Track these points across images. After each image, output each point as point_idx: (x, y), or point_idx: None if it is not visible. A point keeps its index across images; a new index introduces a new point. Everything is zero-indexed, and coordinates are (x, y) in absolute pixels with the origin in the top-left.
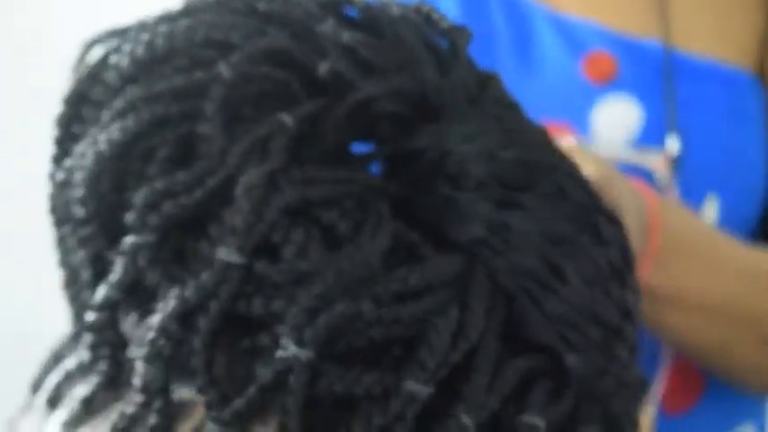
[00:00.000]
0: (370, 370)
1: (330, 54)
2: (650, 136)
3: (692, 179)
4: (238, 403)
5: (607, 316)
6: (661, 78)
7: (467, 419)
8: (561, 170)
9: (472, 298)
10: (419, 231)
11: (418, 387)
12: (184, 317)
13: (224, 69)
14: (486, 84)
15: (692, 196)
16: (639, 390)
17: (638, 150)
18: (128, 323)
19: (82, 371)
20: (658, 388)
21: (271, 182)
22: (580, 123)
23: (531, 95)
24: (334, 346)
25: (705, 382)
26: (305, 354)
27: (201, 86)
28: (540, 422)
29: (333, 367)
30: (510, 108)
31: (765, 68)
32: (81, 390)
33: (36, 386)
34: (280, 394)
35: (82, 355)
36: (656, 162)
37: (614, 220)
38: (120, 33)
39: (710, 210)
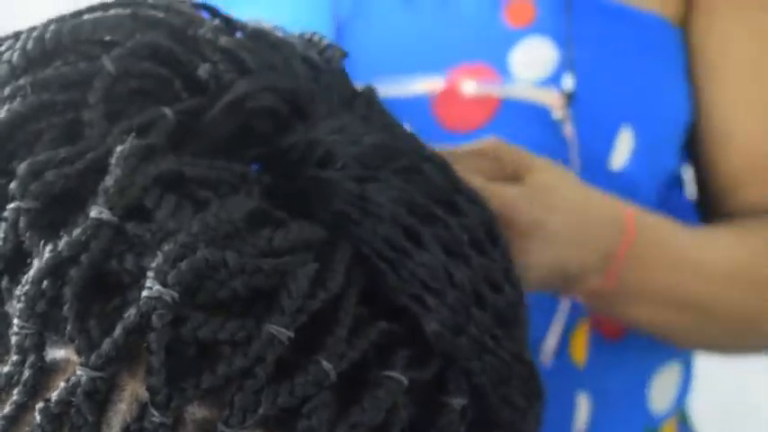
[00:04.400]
0: (233, 317)
1: (209, 56)
2: (560, 74)
3: (599, 113)
4: (105, 346)
5: (462, 279)
6: (570, 17)
7: (327, 365)
8: (419, 153)
9: (334, 258)
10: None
11: (278, 330)
12: (57, 270)
13: (107, 62)
14: (357, 93)
15: (604, 129)
16: (514, 366)
17: (542, 91)
18: (9, 293)
19: None
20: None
21: (146, 153)
22: (499, 66)
23: (452, 40)
24: (198, 295)
25: None
26: (168, 293)
27: (86, 77)
28: (402, 378)
29: (197, 314)
30: (380, 112)
31: (690, 21)
32: None
33: None
34: (146, 335)
35: None
36: (551, 98)
37: (474, 200)
38: (15, 35)
39: (624, 141)
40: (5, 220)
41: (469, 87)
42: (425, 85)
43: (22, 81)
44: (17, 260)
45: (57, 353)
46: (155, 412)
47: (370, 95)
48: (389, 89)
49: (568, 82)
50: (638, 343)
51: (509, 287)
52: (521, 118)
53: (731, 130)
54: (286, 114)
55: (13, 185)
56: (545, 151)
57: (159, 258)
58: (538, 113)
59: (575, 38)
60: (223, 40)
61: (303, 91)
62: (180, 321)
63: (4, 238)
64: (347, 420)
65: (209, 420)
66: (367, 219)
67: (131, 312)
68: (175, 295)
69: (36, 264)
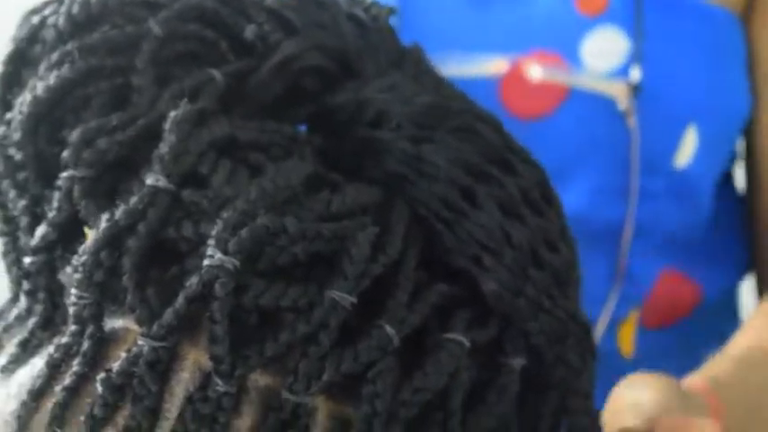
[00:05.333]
0: (294, 283)
1: (255, 17)
2: (632, 64)
3: (667, 109)
4: (167, 315)
5: (520, 239)
6: (646, 10)
7: (390, 330)
8: (472, 113)
9: (391, 220)
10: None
11: (341, 296)
12: (114, 239)
13: (154, 25)
14: (406, 52)
15: (671, 126)
16: (570, 325)
17: (605, 79)
18: (63, 262)
19: (20, 319)
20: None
21: (199, 118)
22: (570, 54)
23: (523, 25)
24: (259, 262)
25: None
26: (230, 261)
27: (134, 41)
28: (464, 339)
29: (258, 281)
30: (428, 72)
31: (750, 17)
32: (18, 335)
33: None
34: (208, 304)
35: (20, 305)
36: (618, 90)
37: (528, 159)
38: (58, 1)
39: (690, 140)
40: (59, 188)
41: (536, 73)
42: (491, 66)
43: (69, 46)
44: (71, 229)
45: (115, 322)
46: (218, 381)
47: (418, 55)
48: (455, 68)
49: (636, 74)
50: (683, 330)
51: (564, 246)
52: (587, 108)
53: None
54: (335, 73)
55: (65, 154)
56: (608, 142)
57: (219, 226)
58: (606, 104)
59: (645, 30)
60: (269, 0)
61: (351, 49)
62: (241, 289)
63: (59, 208)
64: (411, 385)
65: (273, 388)
66: (423, 179)
67: (193, 281)
68: (237, 263)
69: (93, 233)
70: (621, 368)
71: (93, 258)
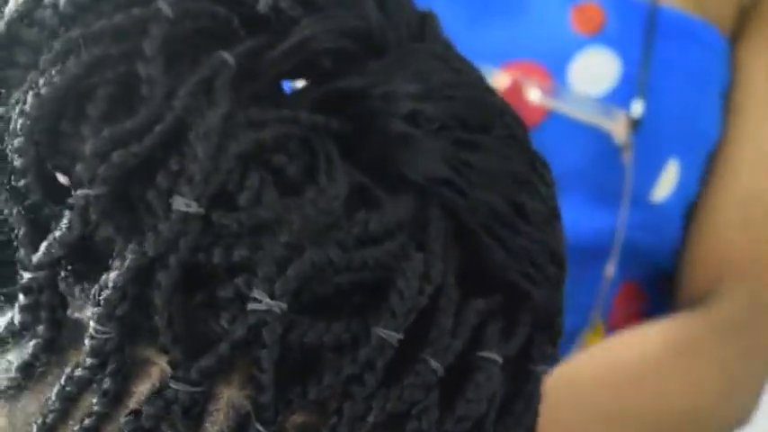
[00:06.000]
0: (338, 318)
1: None
2: (622, 92)
3: (654, 142)
4: (208, 360)
5: (559, 253)
6: (643, 36)
7: (434, 364)
8: (509, 113)
9: (430, 239)
10: (363, 170)
11: (388, 333)
12: (142, 273)
13: (164, 6)
14: (425, 21)
15: (654, 159)
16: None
17: (603, 110)
18: (71, 281)
19: (12, 334)
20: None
21: (225, 127)
22: (557, 70)
23: (516, 35)
24: (302, 296)
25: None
26: (277, 305)
27: (141, 24)
28: (497, 357)
29: (301, 318)
30: (449, 47)
31: (740, 40)
32: (17, 355)
33: None
34: (253, 350)
35: (14, 317)
36: (616, 125)
37: (547, 164)
38: None
39: (670, 174)
40: (71, 207)
41: (535, 95)
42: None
43: (73, 33)
44: (83, 247)
45: (138, 354)
46: (260, 427)
47: (435, 22)
48: None
49: (638, 108)
50: None
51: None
52: (571, 131)
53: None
54: (357, 53)
55: (78, 168)
56: (595, 173)
57: (264, 264)
58: (593, 131)
59: (652, 57)
60: None
61: (375, 27)
62: (286, 329)
63: (70, 227)
64: (454, 415)
65: (311, 425)
66: (474, 189)
67: (239, 327)
68: (284, 306)
69: (117, 265)
70: None
71: (119, 293)
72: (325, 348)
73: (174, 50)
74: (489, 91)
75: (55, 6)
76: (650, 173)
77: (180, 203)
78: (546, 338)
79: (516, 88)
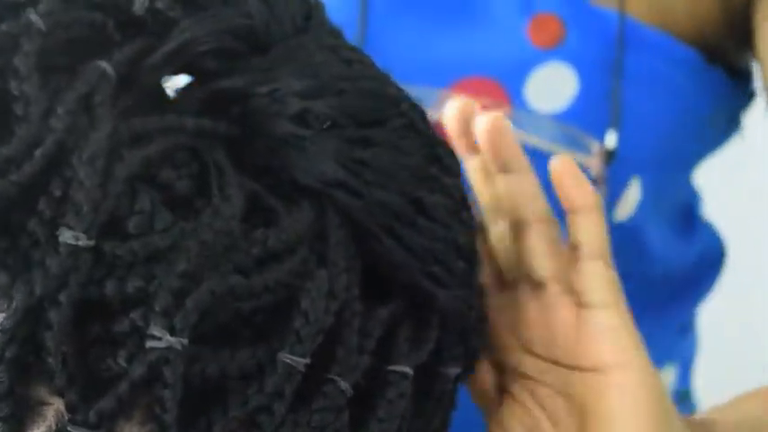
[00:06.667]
0: (241, 346)
1: None
2: (578, 110)
3: (621, 164)
4: (107, 403)
5: (466, 246)
6: (606, 50)
7: (344, 384)
8: (405, 101)
9: (331, 250)
10: (254, 177)
11: (295, 360)
12: (32, 313)
13: (35, 18)
14: (311, 12)
15: (615, 180)
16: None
17: (571, 140)
18: None
19: None
20: None
21: (111, 151)
22: (513, 86)
23: (471, 48)
24: (203, 326)
25: None
26: (178, 342)
27: (13, 39)
28: (408, 370)
29: (203, 349)
30: (336, 36)
31: (710, 43)
32: None
33: None
34: (154, 388)
35: None
36: (591, 161)
37: (452, 151)
38: None
39: (632, 193)
40: None
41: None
42: (435, 109)
43: None
44: None
45: (32, 396)
46: None
47: (321, 14)
48: None
49: (611, 139)
50: None
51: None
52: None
53: None
54: (240, 51)
55: None
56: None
57: (161, 297)
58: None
59: (622, 81)
60: None
61: (259, 24)
62: (187, 363)
63: None
64: None
65: None
66: (369, 188)
67: (138, 366)
68: (185, 342)
69: (3, 305)
70: None
71: (8, 336)
72: (229, 378)
73: (49, 63)
74: (383, 79)
75: None
76: (612, 193)
77: (67, 236)
78: (457, 339)
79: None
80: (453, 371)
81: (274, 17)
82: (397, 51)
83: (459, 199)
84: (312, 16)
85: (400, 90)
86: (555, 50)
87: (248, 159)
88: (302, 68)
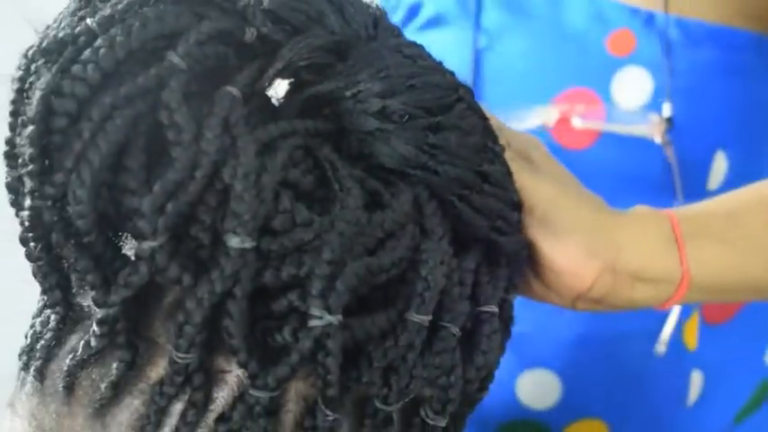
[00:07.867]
0: (377, 312)
1: (253, 20)
2: (658, 101)
3: (695, 138)
4: (282, 370)
5: (515, 198)
6: (670, 49)
7: (454, 328)
8: (461, 86)
9: (428, 222)
10: (353, 165)
11: (421, 318)
12: (213, 307)
13: (176, 59)
14: (378, 18)
15: (700, 153)
16: None
17: (639, 119)
18: (145, 311)
19: (96, 355)
20: None
21: (260, 163)
22: (602, 91)
23: (562, 66)
24: (349, 301)
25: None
26: (336, 319)
27: (161, 80)
28: (495, 308)
29: (350, 319)
30: (398, 35)
31: None
32: (99, 373)
33: (28, 366)
34: (319, 355)
35: (91, 340)
36: (652, 128)
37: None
38: (60, 43)
39: (719, 164)
40: (142, 257)
41: (577, 123)
42: (540, 119)
43: (106, 99)
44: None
45: (214, 366)
46: (327, 411)
47: (386, 19)
48: (516, 122)
49: (667, 109)
50: (741, 322)
51: None
52: (623, 143)
53: None
54: (327, 60)
55: (140, 224)
56: (647, 173)
57: (315, 283)
58: (638, 141)
59: (672, 68)
60: (265, 2)
61: (340, 38)
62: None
63: (138, 272)
64: (474, 366)
65: (364, 396)
66: (443, 166)
67: (306, 341)
68: (341, 318)
69: (189, 303)
70: (688, 360)
71: (198, 328)
72: (371, 338)
73: (188, 93)
74: (440, 69)
75: (83, 79)
76: (699, 166)
77: (235, 241)
78: (516, 271)
79: (566, 118)
80: (512, 296)
81: (352, 29)
82: (509, 71)
83: (505, 163)
84: (378, 24)
85: (453, 75)
86: (629, 57)
87: (345, 152)
88: (378, 71)
